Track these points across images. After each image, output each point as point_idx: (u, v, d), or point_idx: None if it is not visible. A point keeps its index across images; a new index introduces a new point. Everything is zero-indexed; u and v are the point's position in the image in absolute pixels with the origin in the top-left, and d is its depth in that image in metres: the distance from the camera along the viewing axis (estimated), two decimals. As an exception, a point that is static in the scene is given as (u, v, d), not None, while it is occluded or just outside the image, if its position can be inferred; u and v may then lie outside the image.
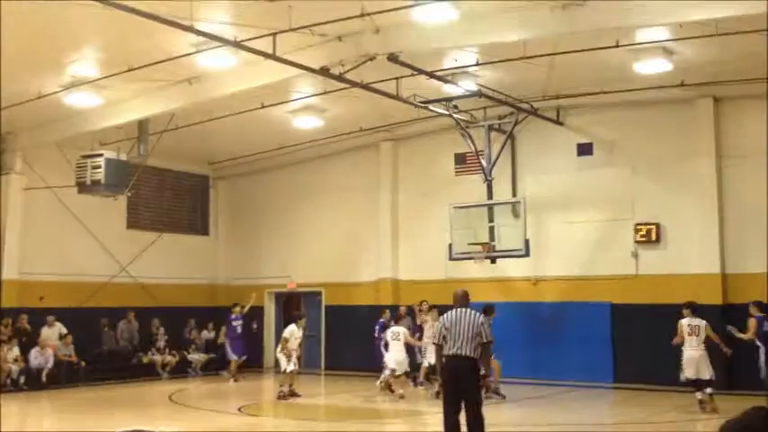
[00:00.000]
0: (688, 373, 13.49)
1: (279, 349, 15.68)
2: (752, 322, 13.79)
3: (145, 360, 19.79)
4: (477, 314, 8.86)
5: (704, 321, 13.50)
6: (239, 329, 19.10)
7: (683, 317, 13.70)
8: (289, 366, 15.30)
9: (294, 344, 15.56)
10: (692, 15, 11.52)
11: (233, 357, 19.05)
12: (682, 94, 16.30)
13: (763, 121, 16.06)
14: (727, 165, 16.40)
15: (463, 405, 8.65)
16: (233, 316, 19.13)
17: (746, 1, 10.85)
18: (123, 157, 16.75)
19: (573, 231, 17.84)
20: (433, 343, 8.99)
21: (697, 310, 13.78)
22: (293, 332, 15.57)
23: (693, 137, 16.66)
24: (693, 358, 13.38)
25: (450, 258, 17.23)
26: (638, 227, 17.06)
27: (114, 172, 16.40)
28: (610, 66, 14.62)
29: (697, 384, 13.39)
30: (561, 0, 11.56)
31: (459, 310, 8.82)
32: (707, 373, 13.26)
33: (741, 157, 16.23)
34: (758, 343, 14.20)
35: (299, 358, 16.04)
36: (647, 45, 13.62)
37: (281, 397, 15.24)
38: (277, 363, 16.11)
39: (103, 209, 19.00)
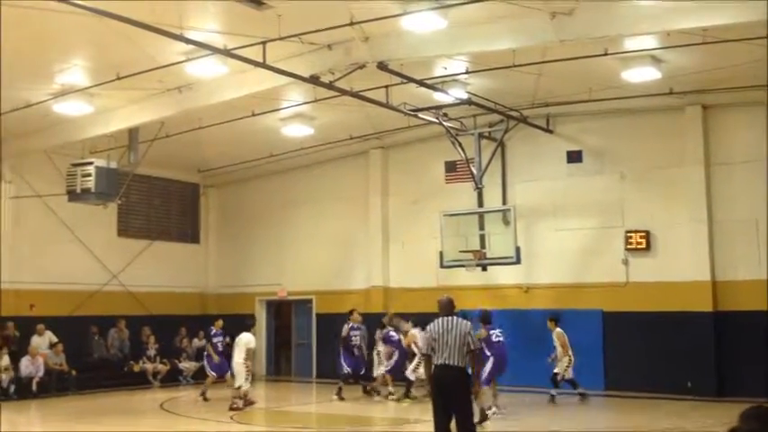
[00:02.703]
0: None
1: (244, 359, 14.84)
2: (481, 332, 14.15)
3: (135, 368, 19.72)
4: (464, 322, 8.85)
5: None
6: (221, 346, 16.99)
7: (553, 328, 15.64)
8: (246, 383, 14.89)
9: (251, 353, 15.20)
10: (679, 24, 11.57)
11: (211, 374, 17.03)
12: (670, 102, 16.37)
13: (751, 129, 16.17)
14: (715, 172, 16.48)
15: (453, 415, 8.64)
16: (214, 331, 17.24)
17: (734, 10, 10.92)
18: (113, 165, 16.69)
19: (563, 239, 17.87)
20: (422, 353, 8.96)
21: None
22: (251, 340, 15.06)
23: (682, 144, 16.73)
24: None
25: (442, 266, 17.24)
26: (629, 234, 17.10)
27: (104, 180, 16.34)
28: (599, 74, 14.67)
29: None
30: (550, 8, 11.61)
31: (445, 318, 8.78)
32: None
33: (730, 165, 16.31)
34: (487, 352, 14.22)
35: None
36: (635, 53, 13.68)
37: (248, 403, 15.01)
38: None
39: (93, 217, 18.94)
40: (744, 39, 11.95)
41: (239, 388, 14.87)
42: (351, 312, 17.24)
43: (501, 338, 14.73)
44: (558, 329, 15.79)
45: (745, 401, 12.32)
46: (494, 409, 13.94)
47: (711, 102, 16.40)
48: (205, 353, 17.39)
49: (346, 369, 16.76)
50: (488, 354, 14.24)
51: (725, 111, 16.44)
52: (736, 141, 16.33)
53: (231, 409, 14.72)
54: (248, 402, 15.30)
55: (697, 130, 16.54)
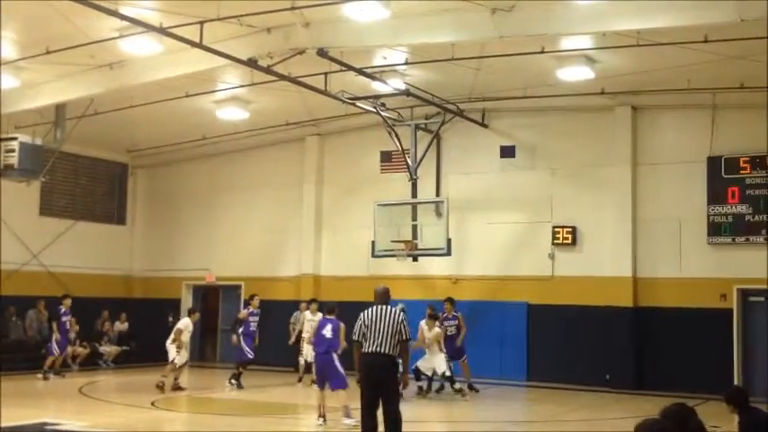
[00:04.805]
0: None
1: (171, 340, 15.56)
2: (461, 317, 15.80)
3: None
4: (397, 311, 8.91)
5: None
6: (68, 325, 17.64)
7: (433, 316, 15.28)
8: (178, 358, 15.45)
9: (186, 336, 15.74)
10: (615, 25, 11.90)
11: (56, 352, 17.46)
12: (602, 102, 16.79)
13: (677, 131, 16.73)
14: (642, 172, 16.97)
15: (381, 401, 8.69)
16: (63, 310, 17.52)
17: (668, 14, 11.26)
18: (39, 141, 16.24)
19: (493, 232, 18.15)
20: (352, 339, 8.98)
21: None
22: (188, 325, 15.75)
23: (611, 144, 17.17)
24: None
25: (373, 255, 17.27)
26: (556, 229, 17.49)
27: (29, 156, 15.87)
28: (534, 71, 14.94)
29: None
30: (491, 4, 11.74)
31: (379, 307, 8.83)
32: None
33: (656, 165, 16.82)
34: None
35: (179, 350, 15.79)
36: (570, 53, 13.96)
37: (160, 387, 15.15)
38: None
39: (15, 194, 18.30)
40: (676, 42, 12.34)
41: (174, 365, 15.49)
42: (251, 298, 16.92)
43: None
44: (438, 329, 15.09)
45: (661, 395, 12.79)
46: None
47: (641, 103, 16.88)
48: (53, 332, 17.54)
49: (250, 355, 16.26)
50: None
51: (653, 113, 16.95)
52: (663, 143, 16.86)
53: (174, 389, 15.30)
54: (175, 387, 15.37)
55: (626, 130, 17.00)
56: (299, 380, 16.78)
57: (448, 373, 14.86)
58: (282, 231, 20.80)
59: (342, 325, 11.86)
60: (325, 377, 11.51)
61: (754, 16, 10.64)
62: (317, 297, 19.49)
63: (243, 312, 16.73)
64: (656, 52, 13.10)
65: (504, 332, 17.77)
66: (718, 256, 15.92)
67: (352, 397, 11.16)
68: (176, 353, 15.38)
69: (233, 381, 16.16)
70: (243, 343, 16.23)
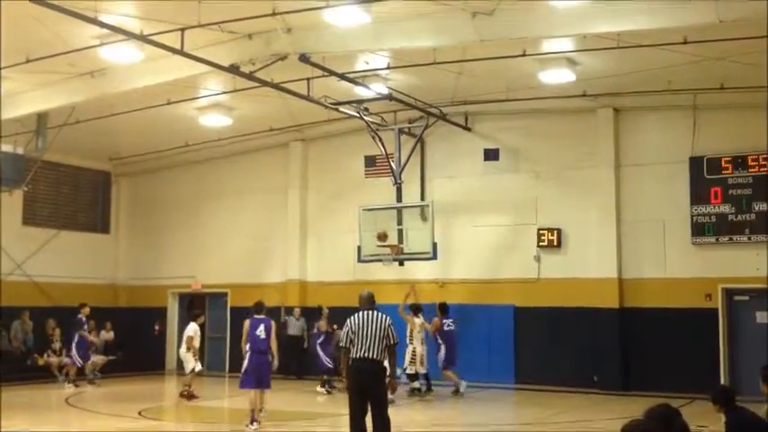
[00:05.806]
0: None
1: (185, 349, 15.49)
2: (435, 322, 16.11)
3: (40, 362, 19.02)
4: (384, 316, 8.89)
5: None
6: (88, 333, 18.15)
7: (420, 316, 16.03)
8: (197, 366, 15.41)
9: (197, 342, 15.63)
10: (596, 28, 11.96)
11: (79, 363, 17.92)
12: (584, 104, 16.86)
13: (659, 132, 16.83)
14: (625, 173, 17.04)
15: (369, 407, 8.67)
16: (84, 319, 17.82)
17: (648, 16, 11.34)
18: (20, 150, 16.19)
19: (479, 235, 18.18)
20: (340, 346, 8.96)
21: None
22: (197, 330, 15.63)
23: (594, 146, 17.24)
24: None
25: (359, 260, 17.25)
26: (541, 232, 17.53)
27: (10, 166, 15.85)
28: (516, 74, 14.99)
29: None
30: (471, 7, 11.76)
31: (365, 312, 8.81)
32: None
33: (639, 166, 16.90)
34: (439, 340, 16.15)
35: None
36: (552, 55, 14.01)
37: (188, 396, 15.22)
38: (180, 363, 15.89)
39: (-2, 204, 18.20)
40: (656, 44, 12.41)
41: (190, 373, 15.42)
42: (321, 308, 17.59)
43: (452, 327, 16.15)
44: (418, 319, 16.02)
45: (649, 396, 12.81)
46: (464, 383, 15.71)
47: (622, 105, 16.97)
48: (75, 341, 17.67)
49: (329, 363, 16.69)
50: (440, 341, 15.87)
51: (635, 114, 17.04)
52: (645, 144, 16.96)
53: (181, 395, 15.37)
54: (191, 395, 15.37)
55: (608, 132, 17.08)
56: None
57: (404, 366, 15.39)
58: (267, 237, 20.75)
59: (273, 323, 12.19)
60: (260, 377, 11.72)
61: (732, 18, 10.75)
62: (304, 303, 19.58)
63: (321, 323, 17.02)
64: (637, 54, 13.18)
65: (491, 335, 17.78)
66: (703, 256, 16.01)
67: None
68: (194, 361, 15.33)
69: (326, 387, 16.62)
70: (321, 352, 16.72)
